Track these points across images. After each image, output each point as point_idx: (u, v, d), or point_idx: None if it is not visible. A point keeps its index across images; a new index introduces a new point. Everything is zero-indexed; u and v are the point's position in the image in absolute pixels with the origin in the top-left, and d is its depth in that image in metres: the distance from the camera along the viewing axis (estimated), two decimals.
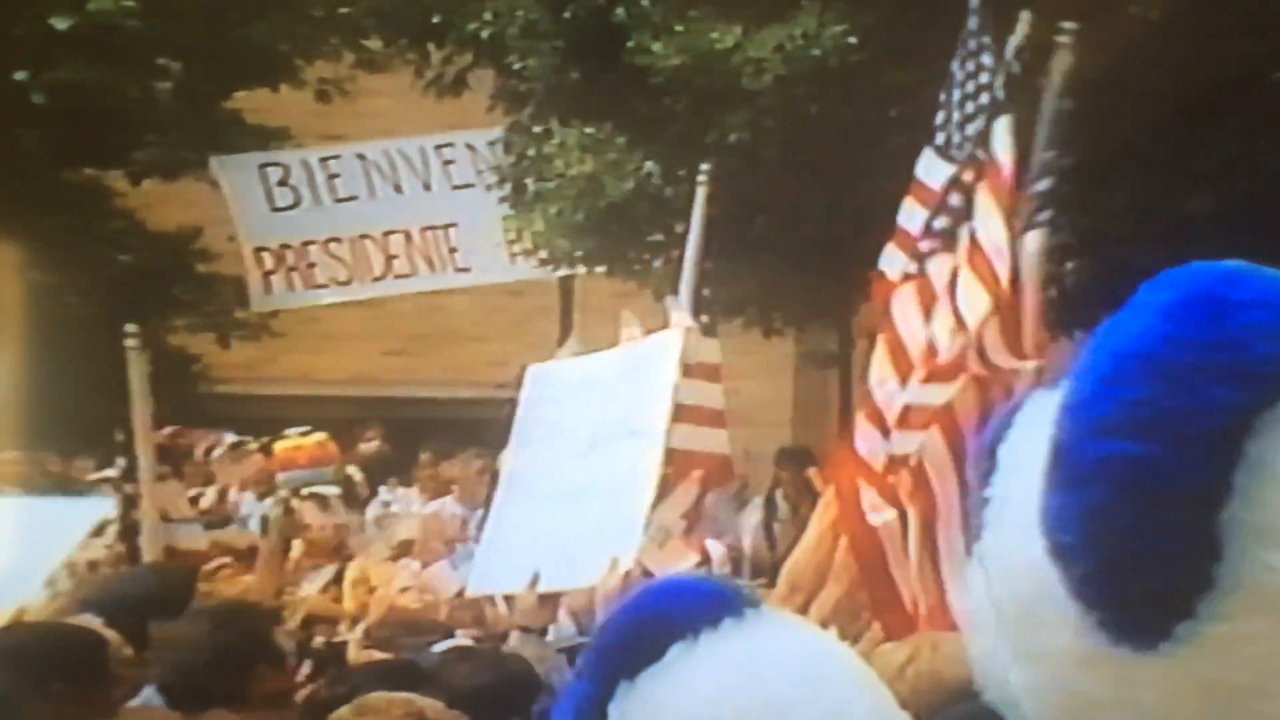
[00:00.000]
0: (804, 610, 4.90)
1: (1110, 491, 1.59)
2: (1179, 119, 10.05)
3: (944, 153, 6.02)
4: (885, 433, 5.57)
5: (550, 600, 6.49)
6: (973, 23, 6.09)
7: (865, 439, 5.64)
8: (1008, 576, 1.70)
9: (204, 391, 16.09)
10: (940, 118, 6.09)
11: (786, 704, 1.91)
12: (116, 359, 8.79)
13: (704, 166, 8.58)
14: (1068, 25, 5.95)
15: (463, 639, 6.64)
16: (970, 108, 5.97)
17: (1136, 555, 1.60)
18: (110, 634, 5.04)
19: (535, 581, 6.46)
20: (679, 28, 10.65)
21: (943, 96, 6.11)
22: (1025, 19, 6.01)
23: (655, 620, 1.95)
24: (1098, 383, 1.63)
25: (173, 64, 15.56)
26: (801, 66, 10.13)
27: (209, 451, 11.86)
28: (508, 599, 7.10)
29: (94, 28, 14.59)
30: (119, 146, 15.92)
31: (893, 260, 5.97)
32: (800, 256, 11.13)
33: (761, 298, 12.18)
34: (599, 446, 7.16)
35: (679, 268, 8.25)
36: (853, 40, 10.08)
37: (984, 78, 5.95)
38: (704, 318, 7.91)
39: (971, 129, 5.91)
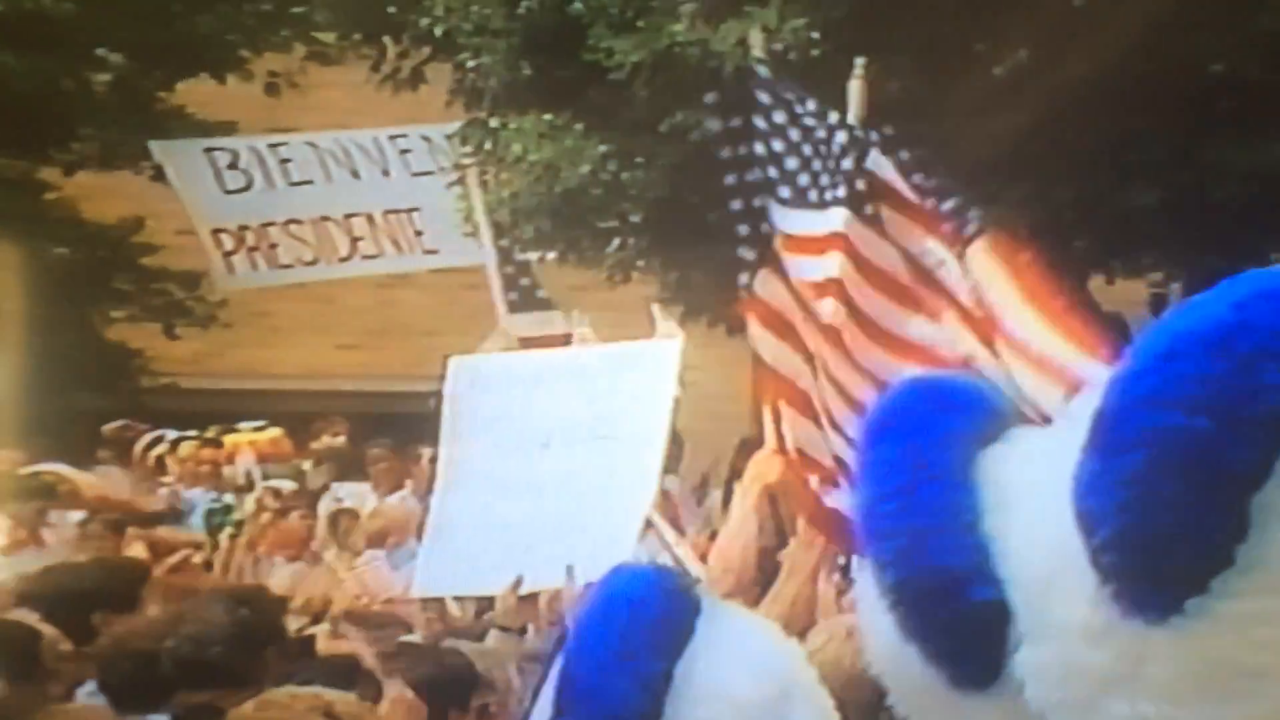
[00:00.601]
0: (735, 593, 4.91)
1: (1150, 460, 1.61)
2: (1121, 113, 10.12)
3: (802, 201, 5.88)
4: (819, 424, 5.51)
5: (530, 601, 6.42)
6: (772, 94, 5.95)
7: (796, 429, 5.55)
8: (1027, 551, 1.73)
9: (152, 385, 15.87)
10: (793, 164, 5.93)
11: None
12: (52, 352, 8.61)
13: (466, 149, 8.32)
14: (859, 60, 5.91)
15: (418, 634, 6.53)
16: (828, 153, 5.85)
17: (1163, 525, 1.61)
18: (47, 629, 4.94)
19: (519, 583, 6.40)
20: (640, 24, 10.58)
21: (779, 145, 5.95)
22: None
23: (684, 599, 2.15)
24: (1154, 358, 1.65)
25: (112, 55, 15.19)
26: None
27: (151, 447, 11.70)
28: (462, 600, 7.01)
29: (22, 16, 14.19)
30: (52, 138, 15.50)
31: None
32: None
33: (719, 288, 12.11)
34: (558, 446, 7.05)
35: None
36: (814, 35, 10.06)
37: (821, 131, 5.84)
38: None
39: (834, 175, 5.78)
